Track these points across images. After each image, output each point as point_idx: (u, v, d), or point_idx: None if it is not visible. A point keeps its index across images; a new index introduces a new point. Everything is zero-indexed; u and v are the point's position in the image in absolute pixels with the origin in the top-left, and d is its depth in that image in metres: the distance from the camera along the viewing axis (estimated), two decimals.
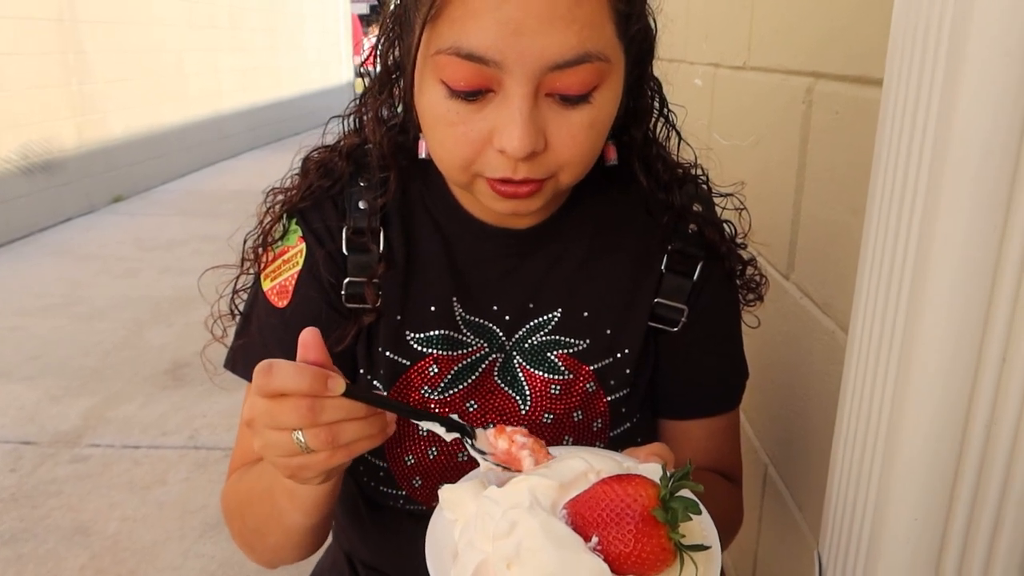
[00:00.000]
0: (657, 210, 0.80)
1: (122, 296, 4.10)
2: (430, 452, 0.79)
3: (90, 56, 6.03)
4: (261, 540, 0.79)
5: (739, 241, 0.85)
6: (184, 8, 7.52)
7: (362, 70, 0.80)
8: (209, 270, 0.86)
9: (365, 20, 14.59)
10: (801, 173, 1.03)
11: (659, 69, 0.78)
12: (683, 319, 0.80)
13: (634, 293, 0.80)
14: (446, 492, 0.59)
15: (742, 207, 0.87)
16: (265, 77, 9.53)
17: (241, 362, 0.81)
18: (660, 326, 0.80)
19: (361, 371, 0.80)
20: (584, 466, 0.54)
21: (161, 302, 3.98)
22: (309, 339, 0.60)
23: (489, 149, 0.65)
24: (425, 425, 0.63)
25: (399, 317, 0.78)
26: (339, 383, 0.57)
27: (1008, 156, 0.43)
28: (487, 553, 0.51)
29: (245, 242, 0.82)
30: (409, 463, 0.80)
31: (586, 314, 0.80)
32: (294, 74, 10.61)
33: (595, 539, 0.48)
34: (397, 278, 0.78)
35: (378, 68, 0.76)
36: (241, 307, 0.84)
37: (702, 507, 0.52)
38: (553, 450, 0.62)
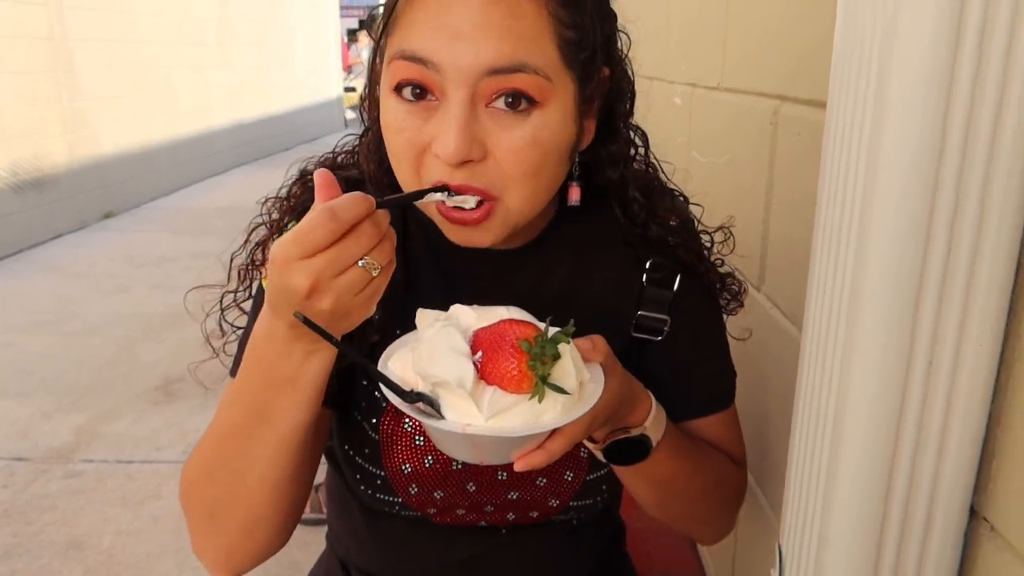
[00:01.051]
0: (635, 243, 0.85)
1: (113, 312, 4.12)
2: (426, 460, 0.83)
3: (80, 73, 6.06)
4: (234, 490, 0.74)
5: (715, 257, 0.90)
6: (173, 25, 7.57)
7: (357, 110, 0.85)
8: (194, 289, 0.89)
9: (352, 34, 14.65)
10: (769, 191, 1.09)
11: (640, 86, 0.83)
12: (666, 328, 0.84)
13: (617, 307, 0.85)
14: (421, 314, 0.71)
15: (729, 236, 0.91)
16: (254, 93, 9.57)
17: None
18: (645, 336, 0.85)
19: (364, 383, 0.84)
20: (505, 313, 0.67)
21: (152, 318, 4.00)
22: (324, 179, 0.61)
23: (429, 156, 0.68)
24: (428, 198, 0.68)
25: (398, 332, 0.83)
26: (373, 198, 0.60)
27: (930, 172, 0.48)
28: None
29: (232, 259, 0.85)
30: (406, 471, 0.84)
31: (573, 327, 0.84)
32: (283, 90, 10.66)
33: (479, 355, 0.62)
34: (396, 294, 0.82)
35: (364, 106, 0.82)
36: (228, 323, 0.87)
37: (600, 386, 0.65)
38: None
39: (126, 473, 2.62)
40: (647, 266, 0.84)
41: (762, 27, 1.15)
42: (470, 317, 0.67)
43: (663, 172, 0.89)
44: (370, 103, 0.81)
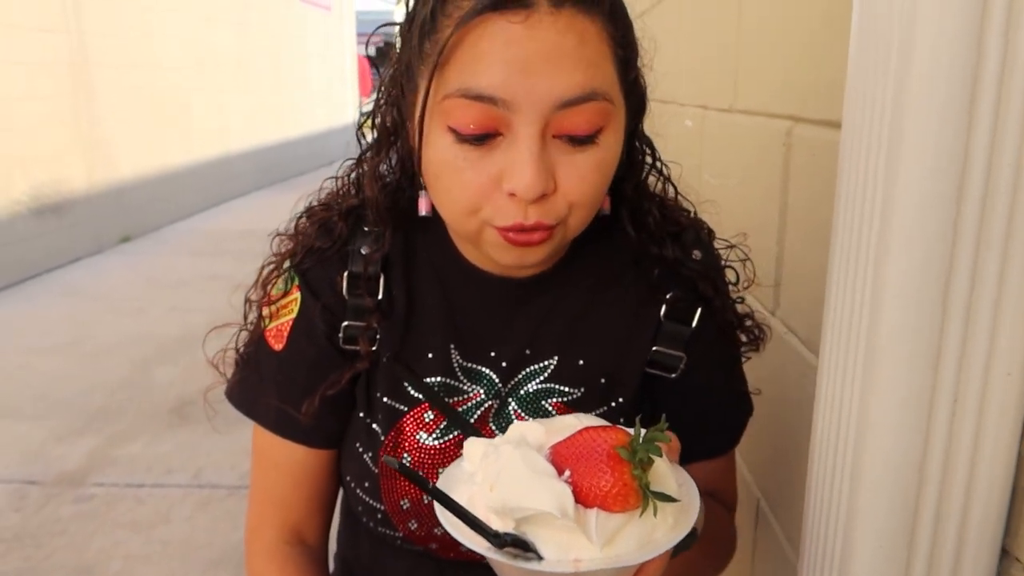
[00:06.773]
0: (648, 263, 0.80)
1: (129, 335, 4.14)
2: (424, 496, 0.80)
3: (100, 99, 6.14)
4: None
5: (736, 296, 0.85)
6: (192, 51, 7.67)
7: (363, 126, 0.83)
8: (213, 330, 0.88)
9: (372, 62, 14.82)
10: (783, 212, 1.06)
11: (650, 108, 0.80)
12: (681, 366, 0.80)
13: (630, 342, 0.80)
14: (469, 444, 0.63)
15: (746, 258, 0.87)
16: (271, 118, 9.65)
17: (239, 396, 0.84)
18: (658, 372, 0.80)
19: (360, 414, 0.81)
20: (575, 421, 0.60)
21: (167, 341, 4.01)
22: None
23: (497, 194, 0.64)
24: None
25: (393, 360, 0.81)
26: None
27: (950, 190, 0.46)
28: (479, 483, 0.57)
29: (246, 302, 0.85)
30: (404, 507, 0.81)
31: (581, 363, 0.80)
32: (299, 115, 10.76)
33: (567, 473, 0.54)
34: (396, 325, 0.79)
35: (375, 131, 0.79)
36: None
37: (692, 483, 0.58)
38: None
39: (136, 497, 2.61)
40: (667, 298, 0.80)
41: (773, 49, 1.13)
42: (538, 433, 0.59)
43: (672, 183, 0.85)
44: (384, 129, 0.77)
